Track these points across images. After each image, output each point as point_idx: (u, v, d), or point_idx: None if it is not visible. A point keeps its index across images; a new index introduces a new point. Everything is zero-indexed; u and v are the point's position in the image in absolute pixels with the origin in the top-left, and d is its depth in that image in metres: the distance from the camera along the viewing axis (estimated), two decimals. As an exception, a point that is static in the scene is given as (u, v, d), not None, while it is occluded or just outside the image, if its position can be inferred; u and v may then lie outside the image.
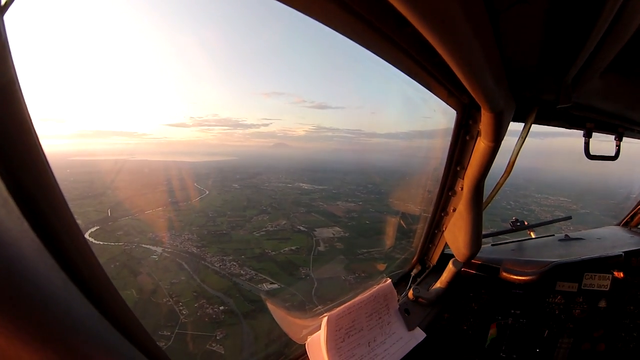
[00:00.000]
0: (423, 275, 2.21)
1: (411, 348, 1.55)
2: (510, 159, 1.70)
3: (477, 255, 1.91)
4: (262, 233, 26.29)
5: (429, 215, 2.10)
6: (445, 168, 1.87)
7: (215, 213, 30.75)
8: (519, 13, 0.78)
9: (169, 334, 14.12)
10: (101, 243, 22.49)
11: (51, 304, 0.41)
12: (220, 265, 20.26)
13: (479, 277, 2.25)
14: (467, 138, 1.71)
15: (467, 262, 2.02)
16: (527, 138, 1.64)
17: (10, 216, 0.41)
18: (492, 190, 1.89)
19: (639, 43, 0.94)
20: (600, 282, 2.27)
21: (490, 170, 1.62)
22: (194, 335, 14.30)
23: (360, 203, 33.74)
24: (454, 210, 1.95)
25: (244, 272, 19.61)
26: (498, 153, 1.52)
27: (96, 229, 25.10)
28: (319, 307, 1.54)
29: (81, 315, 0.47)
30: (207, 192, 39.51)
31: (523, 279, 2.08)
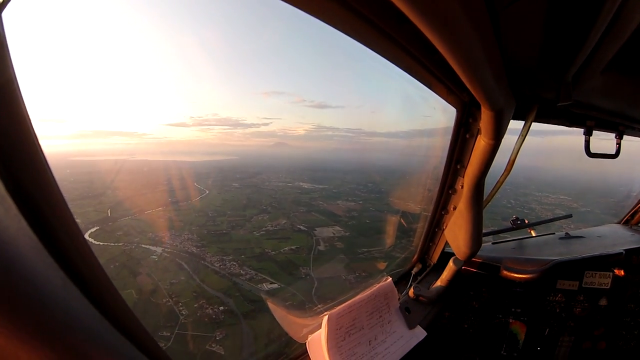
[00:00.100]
0: (424, 274, 2.21)
1: (412, 346, 1.55)
2: (510, 157, 1.70)
3: (478, 253, 1.91)
4: (262, 232, 26.32)
5: (429, 213, 2.09)
6: (445, 166, 1.86)
7: (215, 213, 30.78)
8: (519, 11, 0.78)
9: (169, 334, 14.14)
10: (101, 243, 22.51)
11: (50, 303, 0.40)
12: (220, 265, 20.27)
13: (479, 275, 2.25)
14: (467, 136, 1.71)
15: (468, 261, 2.02)
16: (527, 136, 1.64)
17: (8, 215, 0.41)
18: (493, 189, 1.89)
19: (639, 41, 0.94)
20: (601, 280, 2.27)
21: (490, 169, 1.62)
22: (194, 336, 14.31)
23: (361, 202, 33.77)
24: (455, 208, 1.95)
25: (243, 272, 19.62)
26: (498, 151, 1.51)
27: (96, 229, 25.12)
28: (320, 306, 1.54)
29: (81, 314, 0.47)
30: (207, 192, 39.54)
31: (524, 277, 2.08)
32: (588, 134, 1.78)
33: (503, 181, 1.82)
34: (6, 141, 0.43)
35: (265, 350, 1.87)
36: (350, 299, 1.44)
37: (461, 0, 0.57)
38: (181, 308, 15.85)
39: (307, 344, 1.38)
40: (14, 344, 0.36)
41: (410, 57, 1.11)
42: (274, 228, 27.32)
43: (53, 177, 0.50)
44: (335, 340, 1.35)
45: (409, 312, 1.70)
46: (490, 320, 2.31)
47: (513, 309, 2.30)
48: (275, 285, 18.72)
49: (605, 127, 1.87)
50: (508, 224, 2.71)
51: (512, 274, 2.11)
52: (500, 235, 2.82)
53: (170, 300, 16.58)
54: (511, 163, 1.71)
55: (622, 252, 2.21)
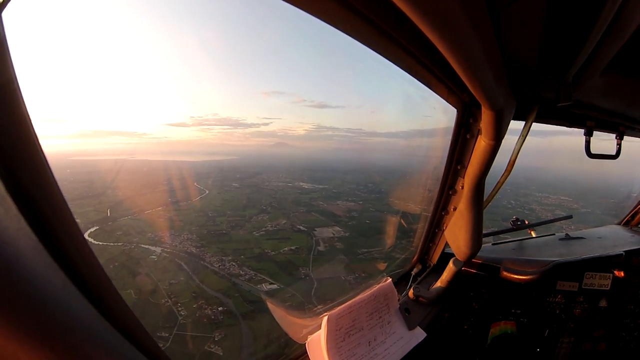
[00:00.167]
0: (423, 275, 2.21)
1: (411, 347, 1.54)
2: (510, 157, 1.69)
3: (478, 254, 1.91)
4: (261, 233, 26.32)
5: (430, 214, 2.09)
6: (445, 167, 1.86)
7: (215, 213, 30.79)
8: (519, 10, 0.77)
9: (167, 335, 14.12)
10: (100, 243, 22.50)
11: (50, 303, 0.40)
12: (219, 266, 20.26)
13: (479, 276, 2.25)
14: (468, 136, 1.71)
15: (468, 262, 2.02)
16: (527, 137, 1.64)
17: (8, 215, 0.41)
18: (493, 189, 1.89)
19: (639, 42, 0.94)
20: (600, 281, 2.27)
21: (490, 169, 1.62)
22: (193, 336, 14.29)
23: (361, 202, 33.77)
24: (455, 209, 1.95)
25: (243, 272, 19.61)
26: (499, 152, 1.51)
27: (95, 229, 25.12)
28: (319, 306, 1.54)
29: (80, 315, 0.47)
30: (207, 192, 39.55)
31: (524, 278, 2.08)
32: (588, 134, 1.78)
33: (503, 182, 1.82)
34: (6, 141, 0.43)
35: (265, 351, 1.87)
36: (350, 300, 1.44)
37: (461, 0, 0.57)
38: (180, 308, 15.84)
39: (306, 344, 1.37)
40: (14, 344, 0.35)
41: (410, 57, 1.11)
42: (273, 228, 27.32)
43: (53, 177, 0.50)
44: (335, 341, 1.34)
45: (409, 313, 1.70)
46: (490, 322, 2.31)
47: (513, 310, 2.30)
48: (274, 286, 18.71)
49: (605, 128, 1.87)
50: (508, 225, 2.70)
51: (512, 275, 2.11)
52: (500, 236, 2.82)
53: (169, 300, 16.56)
54: (511, 163, 1.71)
55: (622, 254, 2.21)
